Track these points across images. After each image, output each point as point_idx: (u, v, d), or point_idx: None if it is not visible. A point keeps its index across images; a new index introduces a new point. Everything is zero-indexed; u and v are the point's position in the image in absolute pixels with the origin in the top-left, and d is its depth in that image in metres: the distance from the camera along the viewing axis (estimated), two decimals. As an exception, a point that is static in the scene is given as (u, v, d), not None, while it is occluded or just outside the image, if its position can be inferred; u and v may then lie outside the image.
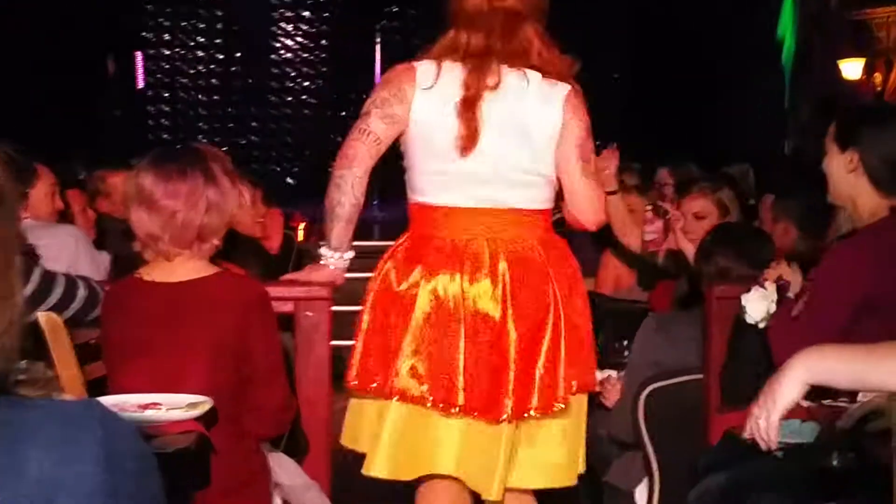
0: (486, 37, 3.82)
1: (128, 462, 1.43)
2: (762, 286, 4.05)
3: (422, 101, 3.80)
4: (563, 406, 3.78)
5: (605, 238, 6.49)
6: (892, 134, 3.83)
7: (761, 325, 4.01)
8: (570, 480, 3.94)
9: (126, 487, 1.41)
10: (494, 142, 3.78)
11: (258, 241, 7.76)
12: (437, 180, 3.83)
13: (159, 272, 3.61)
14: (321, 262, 4.02)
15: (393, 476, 3.80)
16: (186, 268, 3.60)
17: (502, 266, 3.75)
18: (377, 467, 3.75)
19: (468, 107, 3.75)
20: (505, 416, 3.69)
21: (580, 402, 3.92)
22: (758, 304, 4.02)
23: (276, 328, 3.72)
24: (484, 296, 3.72)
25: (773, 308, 3.96)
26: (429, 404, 3.70)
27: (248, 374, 3.57)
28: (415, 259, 3.80)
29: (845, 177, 3.87)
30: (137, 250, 3.71)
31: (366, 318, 3.86)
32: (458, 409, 3.69)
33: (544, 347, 3.75)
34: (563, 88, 3.88)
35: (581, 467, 3.97)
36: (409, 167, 3.90)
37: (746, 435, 2.73)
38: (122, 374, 3.53)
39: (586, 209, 3.99)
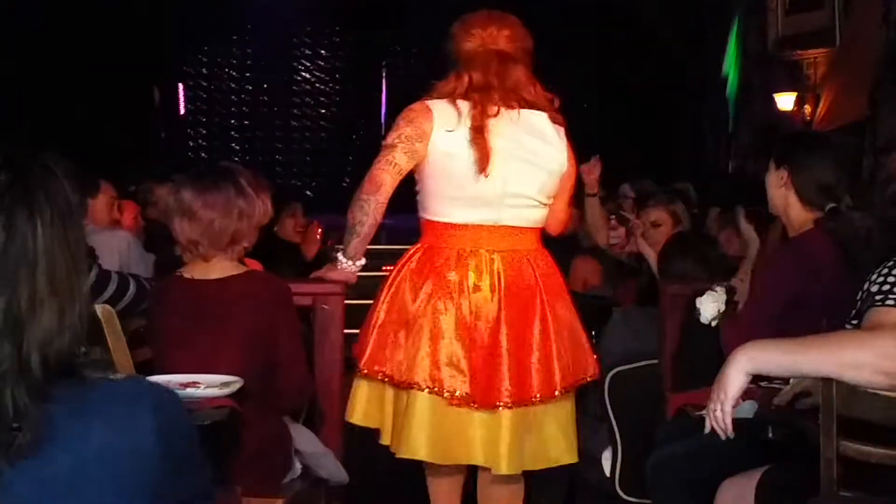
0: (484, 75, 3.83)
1: (176, 429, 1.43)
2: (714, 290, 4.06)
3: (440, 137, 3.77)
4: (561, 394, 3.79)
5: (572, 247, 6.53)
6: (817, 159, 3.84)
7: (713, 324, 4.02)
8: (572, 458, 3.92)
9: (176, 450, 1.42)
10: (500, 167, 3.76)
11: (296, 245, 7.76)
12: (450, 202, 3.82)
13: (198, 271, 3.62)
14: (337, 266, 4.03)
15: (429, 459, 3.79)
16: (221, 267, 3.61)
17: (498, 274, 3.77)
18: (412, 451, 3.71)
19: (478, 133, 3.74)
20: (500, 404, 3.67)
21: (571, 393, 3.92)
22: (709, 306, 4.03)
23: (297, 319, 3.72)
24: (483, 300, 3.74)
25: (723, 308, 3.97)
26: (446, 394, 3.68)
27: (274, 358, 3.57)
28: (427, 265, 3.81)
29: (778, 191, 3.89)
30: (179, 254, 3.71)
31: (382, 314, 3.83)
32: (468, 400, 3.68)
33: (535, 342, 3.74)
34: (561, 131, 3.95)
35: (575, 455, 3.93)
36: (426, 192, 3.88)
37: (707, 428, 2.74)
38: (166, 358, 3.53)
39: (558, 221, 4.11)
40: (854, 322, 2.72)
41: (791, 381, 3.01)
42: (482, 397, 3.67)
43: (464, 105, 3.79)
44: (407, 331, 3.76)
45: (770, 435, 3.29)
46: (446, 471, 4.03)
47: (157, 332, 3.68)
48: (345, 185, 16.95)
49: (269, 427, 3.60)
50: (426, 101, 3.84)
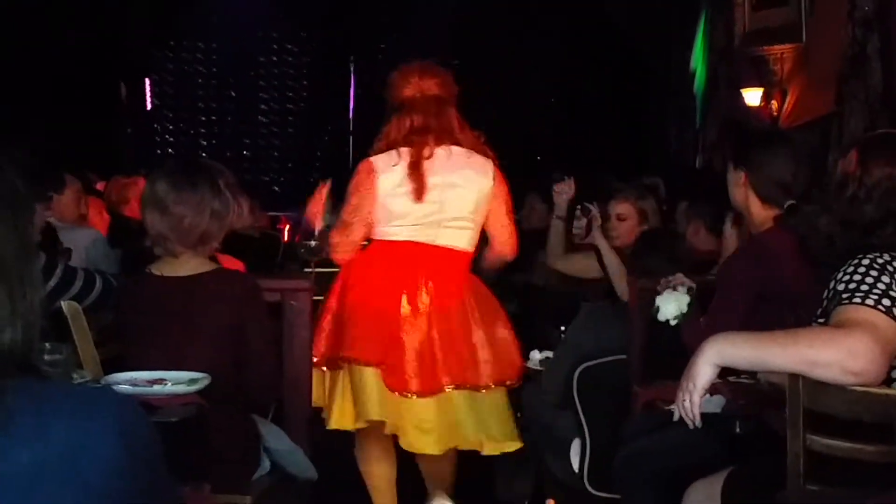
0: (424, 118, 4.47)
1: (139, 437, 1.42)
2: (676, 290, 4.08)
3: (384, 184, 4.41)
4: (491, 388, 4.35)
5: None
6: (772, 157, 3.87)
7: (672, 323, 4.03)
8: (515, 446, 4.45)
9: (138, 459, 1.41)
10: (438, 196, 4.39)
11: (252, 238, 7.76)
12: (392, 226, 4.43)
13: (167, 267, 3.62)
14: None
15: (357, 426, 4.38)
16: (190, 264, 3.61)
17: (430, 284, 4.36)
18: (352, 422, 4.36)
19: (414, 169, 4.38)
20: (440, 390, 4.26)
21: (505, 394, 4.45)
22: (670, 306, 4.04)
23: (266, 315, 3.72)
24: (417, 305, 4.34)
25: (685, 310, 3.98)
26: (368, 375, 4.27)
27: (243, 355, 3.57)
28: (370, 273, 4.42)
29: (738, 190, 3.93)
30: (148, 245, 3.70)
31: (327, 312, 4.46)
32: (408, 393, 4.25)
33: (462, 340, 4.34)
34: (490, 163, 4.58)
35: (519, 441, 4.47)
36: (374, 219, 4.47)
37: (675, 417, 2.75)
38: (134, 354, 3.52)
39: (502, 241, 4.63)
40: (821, 320, 2.73)
41: (758, 375, 3.03)
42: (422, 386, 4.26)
43: (403, 150, 4.43)
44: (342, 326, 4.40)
45: (737, 430, 3.32)
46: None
47: (125, 329, 3.67)
48: (312, 179, 16.93)
49: (238, 424, 3.59)
50: (370, 160, 4.47)
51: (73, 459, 1.33)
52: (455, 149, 4.50)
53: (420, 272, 4.38)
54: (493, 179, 4.54)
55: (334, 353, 4.37)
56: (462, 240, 4.47)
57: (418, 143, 4.44)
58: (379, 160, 4.46)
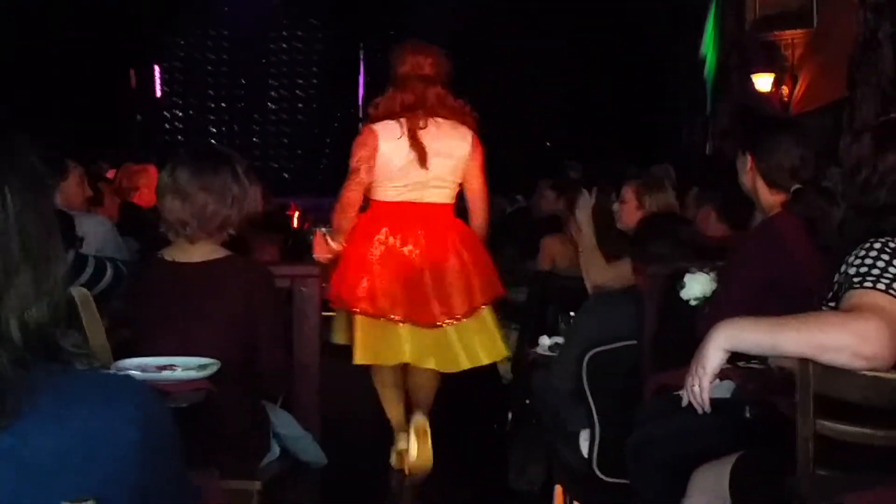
0: (413, 94, 5.42)
1: (159, 427, 1.43)
2: (706, 272, 4.08)
3: (384, 147, 5.40)
4: (481, 311, 5.40)
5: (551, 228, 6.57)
6: (778, 143, 3.88)
7: (693, 303, 4.03)
8: (500, 356, 5.62)
9: (157, 448, 1.41)
10: (430, 161, 5.39)
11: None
12: (390, 188, 5.45)
13: (180, 253, 3.62)
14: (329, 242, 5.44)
15: (370, 362, 5.49)
16: (204, 250, 3.61)
17: (421, 233, 5.40)
18: (358, 357, 5.37)
19: (413, 139, 5.37)
20: (439, 323, 5.32)
21: (491, 310, 5.50)
22: (696, 287, 4.05)
23: (279, 302, 3.75)
24: (410, 249, 5.38)
25: (709, 293, 3.99)
26: (381, 318, 5.31)
27: (254, 341, 3.57)
28: (372, 228, 5.44)
29: (746, 176, 3.96)
30: (162, 231, 3.69)
31: (346, 261, 5.42)
32: (401, 319, 5.32)
33: (450, 273, 5.36)
34: (469, 133, 5.51)
35: (506, 351, 5.60)
36: (374, 184, 5.47)
37: (684, 402, 2.75)
38: (146, 340, 3.53)
39: (478, 200, 5.61)
40: (832, 304, 2.72)
41: (769, 360, 3.02)
42: (419, 318, 5.33)
43: (403, 121, 5.39)
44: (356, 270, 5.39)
45: (747, 415, 3.31)
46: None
47: (136, 314, 3.68)
48: (322, 166, 16.91)
49: (248, 409, 3.60)
50: (371, 126, 5.44)
51: (94, 446, 1.34)
52: (441, 121, 5.46)
53: (414, 224, 5.42)
54: (471, 145, 5.52)
55: (352, 301, 5.33)
56: (444, 196, 5.51)
57: (411, 117, 5.40)
58: (380, 128, 5.43)
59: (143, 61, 15.41)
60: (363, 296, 5.30)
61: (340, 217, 5.42)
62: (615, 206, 5.64)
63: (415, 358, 5.41)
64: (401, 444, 5.72)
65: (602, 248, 5.47)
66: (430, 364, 5.43)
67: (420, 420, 5.58)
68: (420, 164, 5.34)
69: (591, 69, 15.30)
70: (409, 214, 5.44)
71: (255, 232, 4.87)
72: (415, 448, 5.53)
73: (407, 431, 5.63)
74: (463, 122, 5.50)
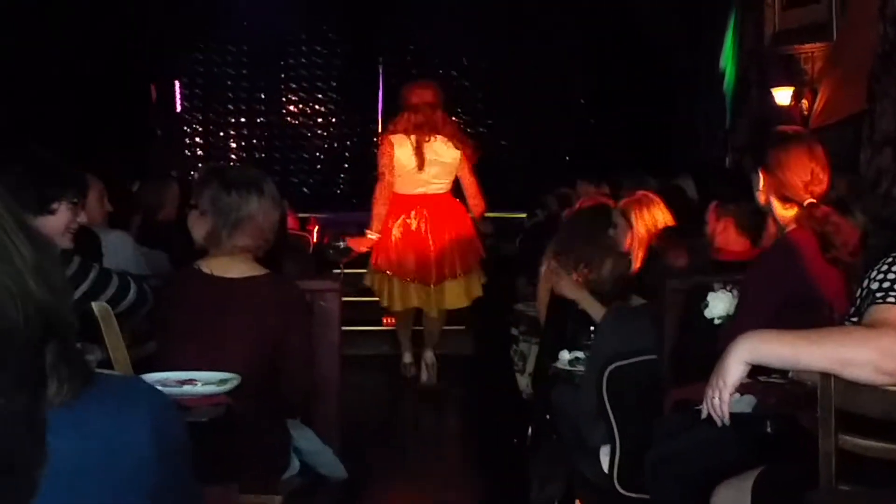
0: (423, 116, 8.06)
1: (171, 433, 1.43)
2: (729, 291, 4.07)
3: (398, 153, 8.11)
4: (463, 274, 8.19)
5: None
6: (789, 158, 3.86)
7: (717, 322, 4.02)
8: (469, 302, 8.37)
9: (170, 454, 1.42)
10: (428, 167, 8.10)
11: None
12: (404, 184, 8.15)
13: (217, 267, 3.62)
14: (366, 237, 8.21)
15: (396, 308, 8.34)
16: (243, 267, 3.63)
17: (426, 213, 8.13)
18: (388, 303, 8.32)
19: (418, 150, 8.05)
20: (431, 280, 8.13)
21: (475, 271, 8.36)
22: (720, 305, 4.04)
23: (310, 322, 3.76)
24: (418, 227, 8.11)
25: (732, 311, 3.98)
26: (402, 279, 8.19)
27: (283, 359, 3.59)
28: (396, 213, 8.16)
29: (760, 191, 3.94)
30: (199, 244, 3.70)
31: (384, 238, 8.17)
32: (410, 278, 8.16)
33: (444, 245, 8.07)
34: (456, 150, 8.17)
35: (465, 300, 8.36)
36: (395, 182, 8.20)
37: (703, 414, 2.73)
38: (171, 351, 3.54)
39: (473, 194, 8.35)
40: (854, 319, 2.71)
41: (790, 374, 3.01)
42: (421, 278, 8.17)
43: (412, 137, 8.04)
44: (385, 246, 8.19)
45: (768, 429, 3.30)
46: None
47: (165, 322, 3.68)
48: (341, 181, 16.94)
49: (268, 424, 3.60)
50: (388, 136, 8.20)
51: (110, 452, 1.34)
52: (439, 137, 8.10)
53: (421, 208, 8.17)
54: (459, 158, 8.19)
55: (387, 267, 8.16)
56: (441, 188, 8.24)
57: (419, 133, 8.03)
58: (394, 139, 8.13)
59: (164, 77, 15.45)
60: (391, 263, 8.13)
61: (379, 208, 8.10)
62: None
63: (422, 304, 8.26)
64: (406, 359, 8.68)
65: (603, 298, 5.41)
66: (433, 311, 8.26)
67: (429, 355, 8.43)
68: (419, 167, 8.04)
69: (608, 83, 15.29)
70: (419, 202, 8.18)
71: (286, 250, 4.90)
72: (425, 375, 8.39)
73: (411, 351, 8.63)
74: (453, 138, 8.16)
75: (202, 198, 3.66)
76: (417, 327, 8.67)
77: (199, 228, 3.66)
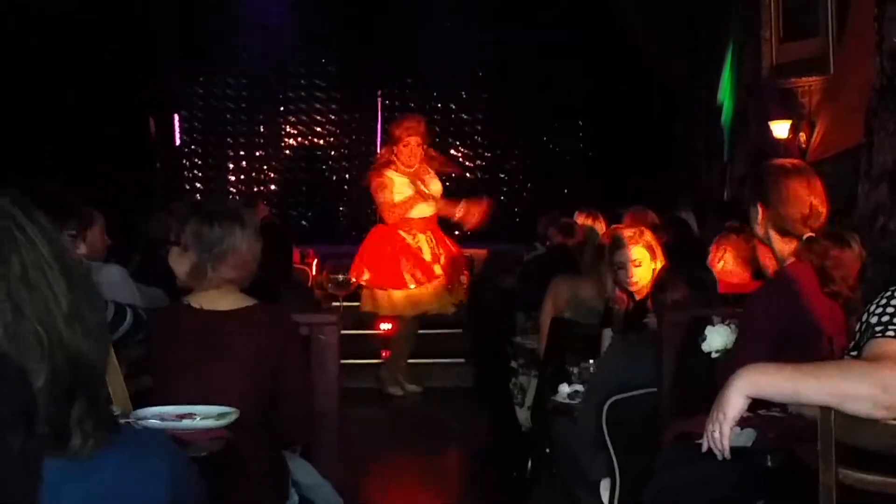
0: (409, 151, 9.17)
1: (187, 487, 1.42)
2: (727, 325, 4.07)
3: (397, 181, 9.15)
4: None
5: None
6: (786, 191, 3.86)
7: (714, 356, 4.02)
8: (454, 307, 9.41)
9: (184, 502, 1.41)
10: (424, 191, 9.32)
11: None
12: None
13: (206, 300, 3.62)
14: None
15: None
16: (230, 299, 3.63)
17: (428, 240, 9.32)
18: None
19: (413, 177, 9.21)
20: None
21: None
22: (718, 339, 4.03)
23: (303, 353, 3.75)
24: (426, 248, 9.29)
25: (731, 344, 3.97)
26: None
27: (280, 392, 3.58)
28: (393, 233, 9.25)
29: (758, 224, 3.93)
30: (185, 281, 3.69)
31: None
32: (414, 286, 9.13)
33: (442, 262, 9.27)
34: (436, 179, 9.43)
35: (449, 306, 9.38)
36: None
37: (704, 448, 2.73)
38: (167, 387, 3.53)
39: (445, 206, 9.41)
40: (853, 353, 2.71)
41: (790, 408, 3.01)
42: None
43: (404, 172, 9.21)
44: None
45: (769, 463, 3.29)
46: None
47: (159, 360, 3.68)
48: (340, 214, 16.94)
49: (267, 458, 3.59)
50: (384, 172, 9.22)
51: (122, 501, 1.33)
52: (425, 166, 9.31)
53: (421, 230, 9.29)
54: (440, 184, 9.42)
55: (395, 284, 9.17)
56: (430, 211, 9.28)
57: (410, 164, 9.22)
58: (390, 172, 9.20)
59: (162, 109, 15.47)
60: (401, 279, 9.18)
61: (399, 216, 9.15)
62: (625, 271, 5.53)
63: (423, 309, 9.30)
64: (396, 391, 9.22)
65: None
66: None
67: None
68: (422, 197, 9.21)
69: (607, 114, 15.31)
70: (416, 224, 9.25)
71: (286, 284, 4.89)
72: (407, 388, 9.28)
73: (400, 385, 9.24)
74: (432, 166, 9.42)
75: (184, 233, 3.66)
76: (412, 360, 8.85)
77: (181, 265, 3.66)
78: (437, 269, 9.25)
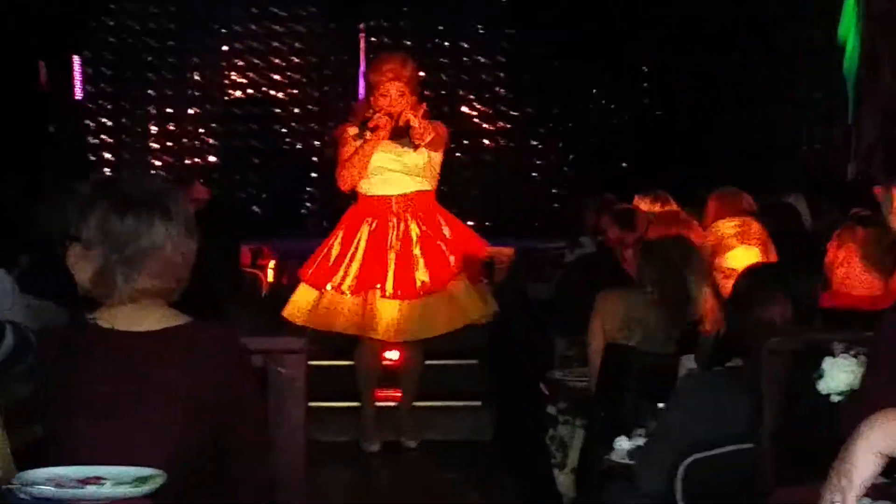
0: (387, 102, 9.13)
1: None
2: (850, 356, 4.06)
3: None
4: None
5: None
6: None
7: (835, 399, 4.02)
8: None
9: None
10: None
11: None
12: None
13: (120, 318, 3.61)
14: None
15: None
16: (155, 316, 3.62)
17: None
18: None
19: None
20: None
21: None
22: (842, 373, 4.03)
23: (257, 388, 3.75)
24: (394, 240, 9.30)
25: (858, 383, 3.96)
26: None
27: (227, 440, 3.57)
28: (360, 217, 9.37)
29: (894, 214, 3.91)
30: (88, 289, 3.69)
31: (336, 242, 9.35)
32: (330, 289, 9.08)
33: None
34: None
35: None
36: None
37: None
38: (67, 437, 3.52)
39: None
40: None
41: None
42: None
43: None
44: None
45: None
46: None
47: (54, 401, 3.67)
48: (307, 196, 16.89)
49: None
50: (346, 126, 9.49)
51: None
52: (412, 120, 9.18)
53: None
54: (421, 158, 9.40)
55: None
56: (413, 186, 9.32)
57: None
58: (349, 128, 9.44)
59: (56, 51, 15.44)
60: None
61: (354, 179, 9.28)
62: None
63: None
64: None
65: None
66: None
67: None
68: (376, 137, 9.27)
69: (681, 59, 15.26)
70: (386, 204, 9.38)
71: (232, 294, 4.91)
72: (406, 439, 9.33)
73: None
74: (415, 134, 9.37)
75: (86, 224, 3.63)
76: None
77: (83, 268, 3.64)
78: (422, 276, 9.13)
